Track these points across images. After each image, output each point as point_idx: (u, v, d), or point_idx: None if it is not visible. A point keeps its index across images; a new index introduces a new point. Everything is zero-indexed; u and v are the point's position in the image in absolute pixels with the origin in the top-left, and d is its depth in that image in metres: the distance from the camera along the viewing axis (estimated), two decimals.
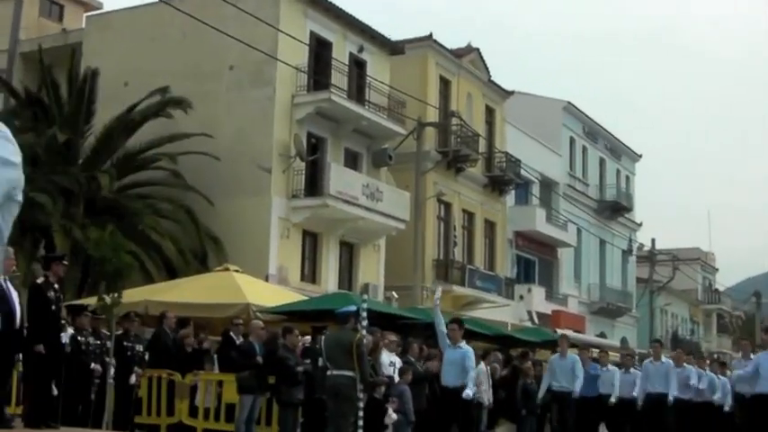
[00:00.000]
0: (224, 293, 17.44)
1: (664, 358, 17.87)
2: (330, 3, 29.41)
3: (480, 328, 21.72)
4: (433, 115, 32.74)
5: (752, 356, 16.56)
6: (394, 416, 13.51)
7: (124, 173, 26.11)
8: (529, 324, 35.30)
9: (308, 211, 27.47)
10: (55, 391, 11.17)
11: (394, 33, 40.75)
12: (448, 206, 35.17)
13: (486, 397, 16.98)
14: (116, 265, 13.82)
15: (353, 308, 12.43)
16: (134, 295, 16.28)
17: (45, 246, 22.57)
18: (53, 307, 10.55)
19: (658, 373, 17.39)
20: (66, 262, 11.32)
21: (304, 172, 27.73)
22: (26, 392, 10.82)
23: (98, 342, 14.14)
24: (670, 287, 56.29)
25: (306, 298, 19.95)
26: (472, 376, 14.04)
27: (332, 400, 11.67)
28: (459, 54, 36.47)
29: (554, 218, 43.13)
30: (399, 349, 15.27)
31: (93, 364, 13.85)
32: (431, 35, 34.45)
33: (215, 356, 15.35)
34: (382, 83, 30.65)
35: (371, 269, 30.82)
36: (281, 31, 24.53)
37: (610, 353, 20.73)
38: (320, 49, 29.28)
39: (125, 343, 14.72)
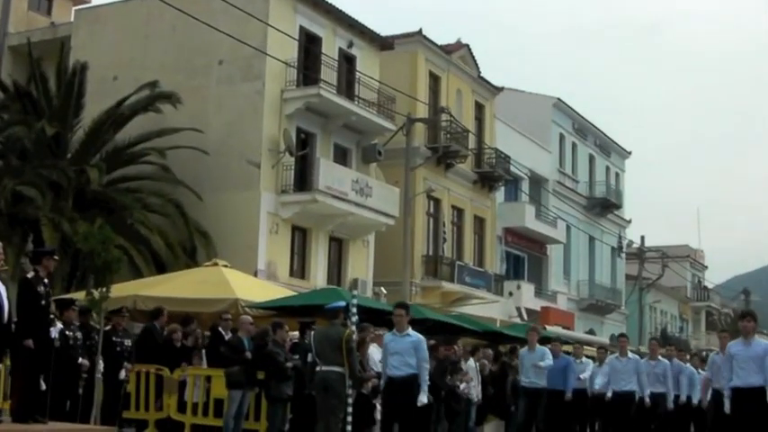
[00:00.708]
0: (212, 288, 17.36)
1: (630, 354, 17.12)
2: None
3: (469, 325, 21.81)
4: (422, 111, 32.68)
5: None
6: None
7: (113, 167, 26.06)
8: (518, 320, 35.40)
9: (298, 207, 27.42)
10: (43, 386, 11.15)
11: (383, 29, 40.95)
12: (437, 202, 35.16)
13: (476, 393, 17.02)
14: (105, 258, 13.77)
15: (342, 303, 12.45)
16: (123, 290, 16.22)
17: (33, 239, 22.46)
18: (43, 302, 10.51)
19: (625, 370, 16.58)
20: (56, 257, 11.26)
21: (293, 167, 27.68)
22: (14, 387, 10.76)
23: (86, 336, 14.13)
24: (659, 284, 56.36)
25: (295, 293, 19.91)
26: (425, 378, 11.93)
27: (321, 396, 11.68)
28: (448, 50, 36.45)
29: (543, 214, 43.16)
30: None
31: (80, 359, 13.84)
32: (420, 31, 34.42)
33: (203, 351, 15.30)
34: (372, 78, 30.63)
35: (360, 265, 30.81)
36: (271, 26, 24.49)
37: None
38: (310, 44, 29.26)
39: (114, 338, 14.71)
